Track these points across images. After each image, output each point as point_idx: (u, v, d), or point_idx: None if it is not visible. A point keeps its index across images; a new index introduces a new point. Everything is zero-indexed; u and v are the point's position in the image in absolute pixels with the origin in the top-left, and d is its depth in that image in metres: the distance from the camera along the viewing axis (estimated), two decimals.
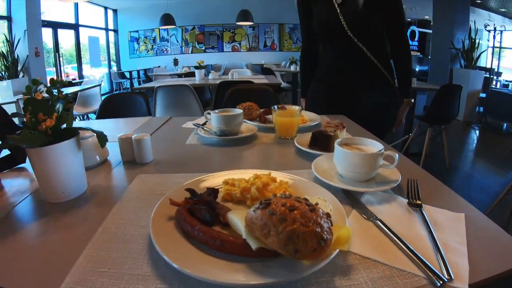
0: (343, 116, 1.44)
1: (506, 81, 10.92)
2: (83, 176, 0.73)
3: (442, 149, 3.70)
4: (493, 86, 9.02)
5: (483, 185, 3.28)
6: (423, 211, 0.60)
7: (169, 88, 2.96)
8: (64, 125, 0.67)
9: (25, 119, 0.63)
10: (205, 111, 1.23)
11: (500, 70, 11.23)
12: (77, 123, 1.68)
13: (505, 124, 6.56)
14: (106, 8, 10.71)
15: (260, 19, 10.01)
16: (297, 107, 1.08)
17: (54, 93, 0.67)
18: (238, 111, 1.11)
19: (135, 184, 0.75)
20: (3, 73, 5.65)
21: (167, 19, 8.14)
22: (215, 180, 0.70)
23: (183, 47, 11.41)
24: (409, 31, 11.03)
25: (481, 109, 6.67)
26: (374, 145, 0.77)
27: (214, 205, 0.53)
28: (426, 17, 11.97)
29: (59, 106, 0.65)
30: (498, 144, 5.28)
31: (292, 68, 6.81)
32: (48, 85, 0.68)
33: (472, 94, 6.44)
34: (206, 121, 1.20)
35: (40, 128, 0.62)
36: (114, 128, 1.42)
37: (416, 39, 11.49)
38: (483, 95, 6.68)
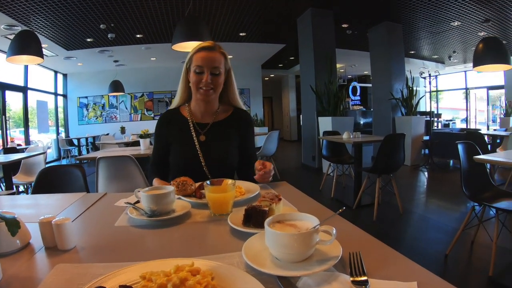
0: (285, 183, 1.41)
1: (446, 121, 12.12)
2: None
3: (394, 197, 3.79)
4: (435, 128, 9.88)
5: (439, 225, 3.37)
6: None
7: (111, 159, 2.77)
8: None
9: None
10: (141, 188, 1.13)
11: (440, 112, 12.47)
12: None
13: (451, 161, 7.06)
14: (56, 72, 10.63)
15: None
16: (230, 181, 1.02)
17: None
18: (170, 188, 1.02)
19: (52, 276, 0.64)
20: None
21: (116, 86, 8.15)
22: (133, 273, 0.60)
23: (132, 114, 11.38)
24: (350, 87, 11.95)
25: (427, 151, 7.15)
26: (309, 220, 0.71)
27: None
28: (366, 72, 13.22)
29: None
30: (446, 182, 5.58)
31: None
32: None
33: (416, 139, 6.93)
34: (138, 200, 1.09)
35: None
36: (46, 205, 1.28)
37: (358, 94, 12.44)
38: (426, 137, 7.21)
